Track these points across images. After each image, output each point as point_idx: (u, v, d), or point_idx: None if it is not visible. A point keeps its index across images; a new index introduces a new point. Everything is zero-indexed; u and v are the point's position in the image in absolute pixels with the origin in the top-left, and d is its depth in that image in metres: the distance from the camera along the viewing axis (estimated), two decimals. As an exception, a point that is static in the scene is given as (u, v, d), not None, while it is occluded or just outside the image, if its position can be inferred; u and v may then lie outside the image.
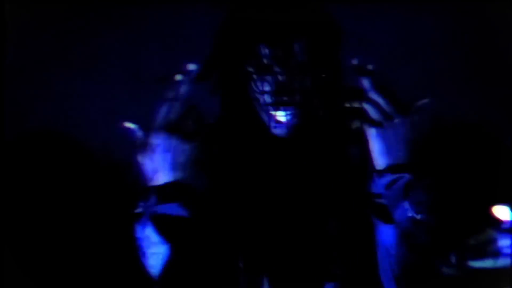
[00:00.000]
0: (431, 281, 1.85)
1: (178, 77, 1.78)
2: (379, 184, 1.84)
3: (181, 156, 1.81)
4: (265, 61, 1.85)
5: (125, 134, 1.80)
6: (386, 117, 1.82)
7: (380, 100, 1.82)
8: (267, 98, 1.84)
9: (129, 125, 1.82)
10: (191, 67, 1.80)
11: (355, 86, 1.84)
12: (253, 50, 1.85)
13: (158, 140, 1.79)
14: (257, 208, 1.89)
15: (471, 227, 2.43)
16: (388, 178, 1.83)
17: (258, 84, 1.85)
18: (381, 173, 1.84)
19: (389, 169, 1.83)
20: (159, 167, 1.81)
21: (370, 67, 1.83)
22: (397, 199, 1.80)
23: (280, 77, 1.83)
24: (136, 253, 1.81)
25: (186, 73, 1.79)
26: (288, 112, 1.84)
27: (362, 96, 1.83)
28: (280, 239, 1.88)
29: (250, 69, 1.87)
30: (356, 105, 1.84)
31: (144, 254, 1.82)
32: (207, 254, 1.83)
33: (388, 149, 1.83)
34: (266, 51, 1.85)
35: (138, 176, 1.81)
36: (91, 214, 2.46)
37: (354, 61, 1.83)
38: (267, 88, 1.85)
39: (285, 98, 1.83)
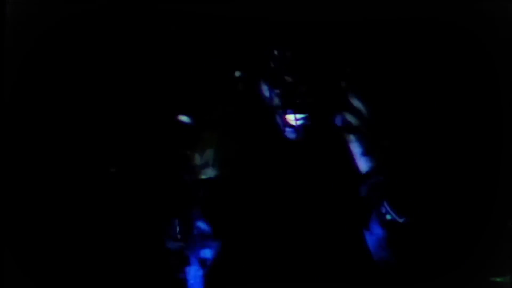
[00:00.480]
0: (424, 283, 1.84)
1: (237, 73, 1.77)
2: (364, 189, 1.83)
3: (230, 152, 1.81)
4: (277, 64, 1.83)
5: (179, 127, 1.78)
6: (364, 121, 1.80)
7: (357, 104, 1.81)
8: (279, 102, 1.83)
9: (183, 118, 1.81)
10: (253, 63, 1.79)
11: (334, 91, 1.82)
12: (266, 53, 1.83)
13: (211, 136, 1.79)
14: (261, 207, 1.88)
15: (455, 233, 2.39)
16: (370, 181, 1.82)
17: (270, 87, 1.84)
18: (365, 177, 1.83)
19: (371, 172, 1.82)
20: (208, 162, 1.80)
21: (347, 70, 1.81)
22: (377, 202, 1.79)
23: (292, 81, 1.82)
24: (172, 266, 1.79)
25: (246, 69, 1.78)
26: (300, 116, 1.83)
27: (340, 100, 1.82)
28: (283, 239, 1.88)
29: (263, 72, 1.86)
30: (335, 110, 1.83)
31: (182, 266, 1.81)
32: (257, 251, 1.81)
33: (368, 153, 1.82)
34: (278, 54, 1.83)
35: (186, 169, 1.80)
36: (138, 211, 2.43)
37: (333, 65, 1.81)
38: (279, 91, 1.84)
39: (296, 102, 1.82)
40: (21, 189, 2.55)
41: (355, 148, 1.81)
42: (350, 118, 1.80)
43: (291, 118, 1.83)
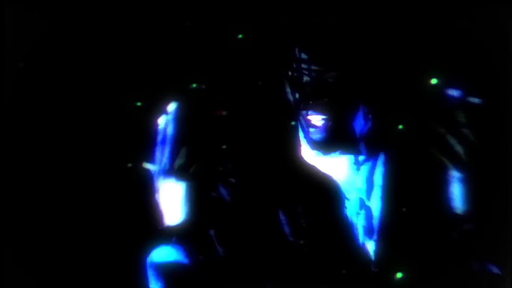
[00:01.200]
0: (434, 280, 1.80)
1: (161, 119, 1.74)
2: (455, 228, 1.71)
3: (184, 196, 1.77)
4: (301, 64, 1.78)
5: (146, 174, 1.78)
6: (475, 159, 1.69)
7: (473, 139, 1.70)
8: (303, 101, 1.78)
9: (148, 166, 1.80)
10: (172, 107, 1.76)
11: (446, 117, 1.69)
12: (289, 53, 1.79)
13: (162, 183, 1.76)
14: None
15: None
16: (466, 225, 1.69)
17: (294, 87, 1.79)
18: (459, 218, 1.70)
19: (467, 216, 1.70)
20: (166, 209, 1.77)
21: (476, 100, 1.70)
22: (467, 250, 1.67)
23: (316, 80, 1.76)
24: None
25: (168, 114, 1.75)
26: (324, 116, 1.77)
27: (453, 129, 1.70)
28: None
29: (286, 72, 1.82)
30: (443, 138, 1.71)
31: None
32: None
33: (471, 195, 1.70)
34: (302, 54, 1.78)
35: (153, 217, 1.78)
36: (104, 254, 2.43)
37: (454, 92, 1.71)
38: (303, 91, 1.79)
39: (321, 101, 1.77)
40: (23, 189, 2.55)
41: (455, 185, 1.68)
42: (460, 150, 1.67)
43: (315, 118, 1.76)
